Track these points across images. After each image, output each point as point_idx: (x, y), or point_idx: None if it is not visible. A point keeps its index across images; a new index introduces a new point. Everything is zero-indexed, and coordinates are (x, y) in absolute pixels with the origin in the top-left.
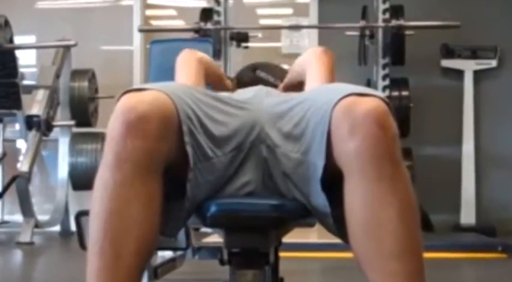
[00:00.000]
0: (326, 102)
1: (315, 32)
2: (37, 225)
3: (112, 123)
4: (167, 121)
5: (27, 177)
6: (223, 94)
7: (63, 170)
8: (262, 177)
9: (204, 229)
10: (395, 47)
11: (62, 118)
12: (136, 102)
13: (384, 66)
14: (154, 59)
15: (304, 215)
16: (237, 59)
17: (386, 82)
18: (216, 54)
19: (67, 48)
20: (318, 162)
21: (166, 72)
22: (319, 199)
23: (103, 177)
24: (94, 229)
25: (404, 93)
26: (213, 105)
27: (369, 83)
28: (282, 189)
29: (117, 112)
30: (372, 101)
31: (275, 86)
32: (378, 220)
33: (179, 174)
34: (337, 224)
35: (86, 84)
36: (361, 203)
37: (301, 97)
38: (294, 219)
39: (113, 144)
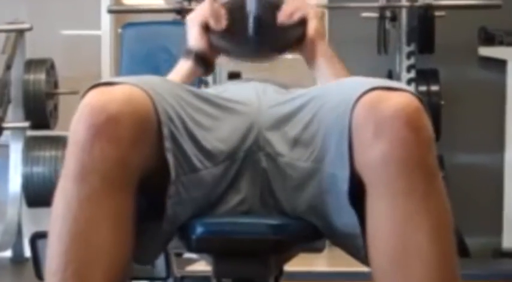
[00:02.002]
0: (344, 99)
1: (324, 13)
2: None
3: (75, 125)
4: (144, 123)
5: None
6: (210, 92)
7: (15, 183)
8: (260, 193)
9: (188, 255)
10: (423, 32)
11: (14, 119)
12: (106, 99)
13: (409, 55)
14: (127, 47)
15: (312, 238)
16: None
17: (412, 74)
18: None
19: (20, 32)
20: (339, 173)
21: (142, 63)
22: (345, 217)
23: (64, 192)
24: (53, 255)
25: (434, 88)
26: (199, 107)
27: (390, 76)
28: (285, 207)
29: (82, 112)
30: (401, 97)
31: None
32: (407, 246)
33: (158, 189)
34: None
35: (43, 77)
36: (387, 223)
37: (308, 95)
38: (298, 243)
39: (76, 152)
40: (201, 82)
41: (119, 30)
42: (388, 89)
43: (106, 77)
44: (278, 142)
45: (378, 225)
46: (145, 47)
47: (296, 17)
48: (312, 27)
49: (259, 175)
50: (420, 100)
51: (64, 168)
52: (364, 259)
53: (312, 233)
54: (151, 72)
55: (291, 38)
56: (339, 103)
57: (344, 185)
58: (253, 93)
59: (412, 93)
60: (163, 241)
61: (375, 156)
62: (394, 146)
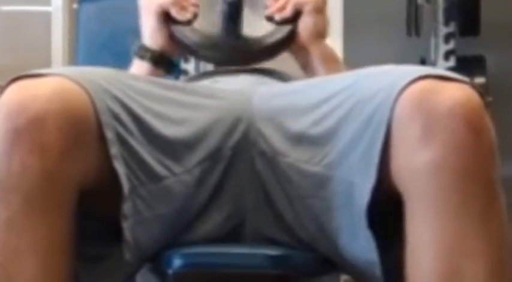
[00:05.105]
0: (382, 88)
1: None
2: None
3: None
4: (78, 125)
5: None
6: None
7: None
8: (255, 204)
9: None
10: (465, 9)
11: None
12: (28, 96)
13: (447, 38)
14: (85, 27)
15: (322, 271)
16: None
17: (451, 63)
18: None
19: None
20: (358, 181)
21: (104, 47)
22: (361, 241)
23: None
24: None
25: (479, 79)
26: (163, 96)
27: (423, 64)
28: (290, 222)
29: None
30: (460, 90)
31: None
32: (458, 277)
33: (111, 207)
34: (387, 278)
35: None
36: (433, 249)
37: (328, 80)
38: (304, 277)
39: None
40: (179, 72)
41: (74, 6)
42: (443, 78)
43: (57, 66)
44: (273, 136)
45: (421, 251)
46: (107, 27)
47: (288, 10)
48: (308, 26)
49: (251, 179)
50: (482, 96)
51: None
52: None
53: (322, 265)
54: (116, 59)
55: (280, 38)
56: (376, 93)
57: (363, 198)
58: (241, 81)
59: (472, 85)
60: (125, 275)
61: (422, 163)
62: (449, 151)
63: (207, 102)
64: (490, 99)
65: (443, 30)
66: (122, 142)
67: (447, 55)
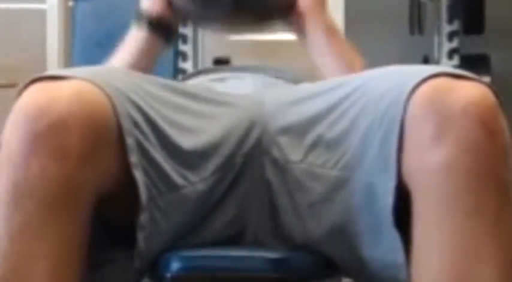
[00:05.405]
0: (394, 87)
1: None
2: None
3: (8, 133)
4: (99, 130)
5: None
6: (192, 84)
7: None
8: (259, 211)
9: None
10: (469, 6)
11: None
12: (49, 99)
13: (451, 36)
14: (81, 25)
15: (324, 274)
16: None
17: (455, 61)
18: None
19: None
20: (379, 181)
21: (100, 46)
22: (386, 241)
23: None
24: None
25: (484, 79)
26: (177, 104)
27: (426, 62)
28: (292, 230)
29: (16, 116)
30: (474, 88)
31: None
32: (470, 281)
33: (124, 213)
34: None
35: None
36: (444, 251)
37: (341, 90)
38: (305, 281)
39: (9, 169)
40: (177, 72)
41: (70, 4)
42: (456, 76)
43: (53, 65)
44: (288, 146)
45: (432, 253)
46: (104, 25)
47: None
48: None
49: (259, 187)
50: (496, 95)
51: None
52: None
53: (324, 268)
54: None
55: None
56: (387, 92)
57: (387, 198)
58: (250, 85)
59: (486, 84)
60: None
61: (435, 162)
62: (462, 150)
63: (220, 110)
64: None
65: (446, 28)
66: (142, 150)
67: (451, 54)
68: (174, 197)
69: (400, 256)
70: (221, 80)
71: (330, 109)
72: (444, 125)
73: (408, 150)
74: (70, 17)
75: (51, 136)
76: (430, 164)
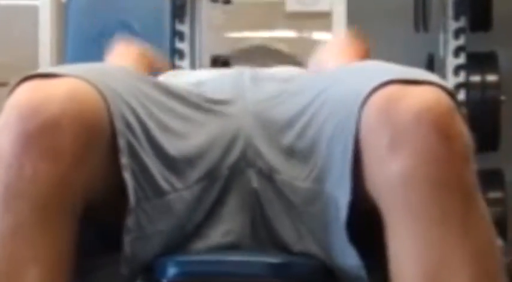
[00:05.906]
0: (349, 94)
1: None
2: None
3: (1, 133)
4: (93, 130)
5: None
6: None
7: None
8: (251, 222)
9: None
10: (476, 3)
11: None
12: (41, 98)
13: (457, 33)
14: (74, 21)
15: (322, 279)
16: (215, 22)
17: (461, 60)
18: (178, 13)
19: None
20: (340, 197)
21: (94, 43)
22: (347, 256)
23: None
24: None
25: (491, 78)
26: (168, 106)
27: (431, 61)
28: (285, 239)
29: (8, 115)
30: (426, 92)
31: None
32: None
33: (110, 219)
34: None
35: None
36: (412, 261)
37: (312, 88)
38: None
39: (1, 170)
40: (174, 68)
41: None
42: (409, 82)
43: (45, 62)
44: (269, 153)
45: (402, 262)
46: (98, 21)
47: None
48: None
49: (248, 198)
50: (452, 96)
51: None
52: None
53: (323, 273)
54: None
55: None
56: (345, 99)
57: (342, 214)
58: (238, 85)
59: (441, 86)
60: None
61: (391, 175)
62: (418, 161)
63: (205, 118)
64: (502, 97)
65: (453, 25)
66: (132, 152)
67: (457, 51)
68: (159, 202)
69: (360, 271)
70: (197, 84)
71: (299, 115)
72: (399, 135)
73: (367, 162)
74: (62, 14)
75: (44, 136)
76: (389, 176)
